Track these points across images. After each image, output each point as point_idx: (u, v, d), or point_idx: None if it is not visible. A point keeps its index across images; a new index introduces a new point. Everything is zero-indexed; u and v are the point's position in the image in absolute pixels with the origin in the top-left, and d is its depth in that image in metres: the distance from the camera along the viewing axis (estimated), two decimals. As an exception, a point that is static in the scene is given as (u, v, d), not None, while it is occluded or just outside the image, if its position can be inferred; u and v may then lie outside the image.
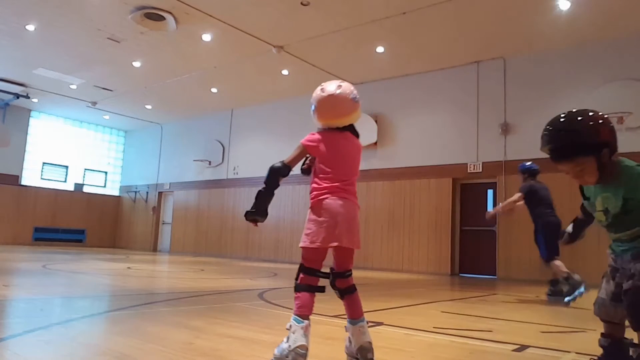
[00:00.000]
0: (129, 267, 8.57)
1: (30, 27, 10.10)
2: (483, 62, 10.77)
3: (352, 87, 2.27)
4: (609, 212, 1.94)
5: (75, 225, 17.86)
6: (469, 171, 10.70)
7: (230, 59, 11.45)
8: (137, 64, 12.01)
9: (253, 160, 14.87)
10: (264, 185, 2.14)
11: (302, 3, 8.55)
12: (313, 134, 2.36)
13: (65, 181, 18.05)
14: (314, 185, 2.24)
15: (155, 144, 18.42)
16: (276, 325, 3.30)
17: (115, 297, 4.66)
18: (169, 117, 17.26)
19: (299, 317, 2.03)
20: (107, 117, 17.60)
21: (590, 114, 1.91)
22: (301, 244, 2.19)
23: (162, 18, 9.27)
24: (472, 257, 10.66)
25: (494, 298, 6.14)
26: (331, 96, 2.22)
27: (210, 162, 15.99)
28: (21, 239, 16.42)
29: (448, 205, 10.87)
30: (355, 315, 2.14)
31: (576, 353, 2.70)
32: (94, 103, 15.71)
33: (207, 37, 10.21)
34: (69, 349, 2.39)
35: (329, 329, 3.26)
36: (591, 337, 3.42)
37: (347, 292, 2.17)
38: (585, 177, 1.93)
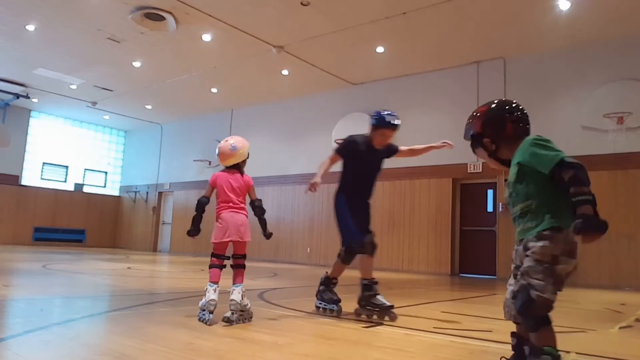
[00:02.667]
0: (129, 267, 8.56)
1: (30, 27, 10.10)
2: (483, 62, 10.77)
3: (231, 140, 3.76)
4: (510, 183, 1.93)
5: (75, 225, 17.86)
6: (469, 171, 10.70)
7: (230, 59, 11.45)
8: (137, 64, 12.01)
9: (253, 160, 14.71)
10: (195, 212, 3.63)
11: (302, 3, 8.55)
12: (213, 175, 3.74)
13: (65, 181, 18.05)
14: (217, 205, 3.63)
15: (155, 144, 18.41)
16: (276, 325, 3.30)
17: (115, 297, 4.66)
18: (169, 117, 17.26)
19: (211, 282, 3.33)
20: (107, 117, 17.60)
21: (478, 108, 2.11)
22: (211, 240, 3.56)
23: (162, 18, 9.27)
24: (472, 257, 10.66)
25: (494, 298, 6.14)
26: (219, 149, 3.70)
27: (210, 162, 15.98)
28: (21, 239, 16.42)
29: (448, 206, 10.86)
30: (235, 281, 3.37)
31: (576, 353, 2.70)
32: (94, 103, 15.71)
33: (207, 37, 10.21)
34: (69, 349, 2.39)
35: (329, 329, 3.26)
36: (591, 337, 3.43)
37: (236, 267, 3.50)
38: (490, 164, 2.13)
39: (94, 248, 17.21)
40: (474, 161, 10.65)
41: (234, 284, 3.35)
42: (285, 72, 12.10)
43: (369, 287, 3.72)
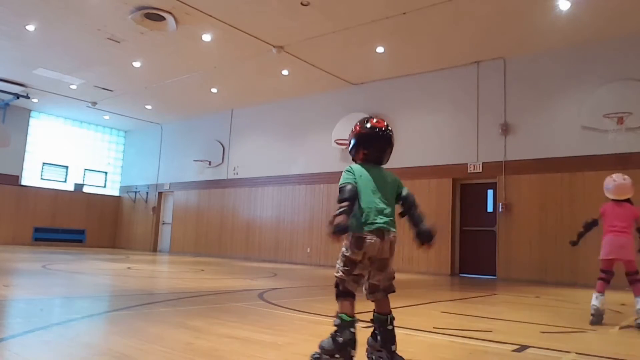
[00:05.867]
0: (129, 267, 8.57)
1: (30, 27, 10.10)
2: (483, 62, 10.77)
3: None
4: None
5: (75, 225, 17.86)
6: (469, 171, 10.70)
7: (230, 59, 11.45)
8: (137, 64, 12.01)
9: (253, 160, 14.88)
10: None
11: (302, 3, 8.55)
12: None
13: (65, 181, 18.05)
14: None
15: (155, 144, 18.42)
16: (276, 325, 3.29)
17: (115, 297, 4.66)
18: (169, 117, 17.26)
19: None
20: (107, 117, 17.60)
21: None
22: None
23: (162, 18, 9.27)
24: (472, 257, 10.66)
25: (494, 298, 6.14)
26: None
27: (210, 162, 15.98)
28: (21, 239, 16.42)
29: (448, 206, 10.86)
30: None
31: (576, 353, 2.70)
32: (94, 103, 15.71)
33: (207, 37, 10.21)
34: (69, 349, 2.39)
35: (329, 329, 3.25)
36: (591, 337, 3.42)
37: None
38: None
39: (94, 248, 17.21)
40: (474, 161, 10.65)
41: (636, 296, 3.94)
42: (285, 72, 12.10)
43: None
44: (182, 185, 17.04)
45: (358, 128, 2.36)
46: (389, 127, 2.37)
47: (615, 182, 4.09)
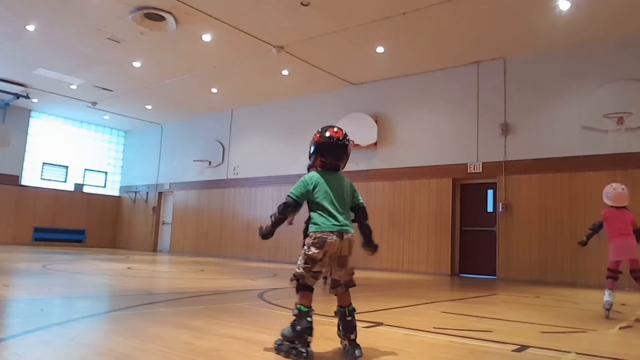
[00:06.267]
0: (128, 268, 8.56)
1: (30, 27, 10.10)
2: (483, 62, 10.77)
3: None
4: None
5: (75, 225, 17.86)
6: (469, 171, 10.70)
7: (230, 59, 11.45)
8: (137, 64, 12.01)
9: (253, 160, 14.88)
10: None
11: (302, 3, 8.55)
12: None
13: (65, 181, 18.05)
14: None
15: (155, 144, 18.42)
16: (276, 326, 3.29)
17: (115, 297, 4.66)
18: (169, 117, 17.27)
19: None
20: (107, 117, 17.60)
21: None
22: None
23: (162, 18, 9.27)
24: (472, 257, 10.66)
25: (494, 298, 6.14)
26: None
27: (210, 162, 15.99)
28: (21, 239, 16.42)
29: (448, 206, 10.86)
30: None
31: (576, 353, 2.70)
32: (94, 103, 15.71)
33: (207, 37, 10.21)
34: (69, 349, 2.39)
35: (329, 329, 3.26)
36: (591, 337, 3.42)
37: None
38: None
39: (94, 248, 17.21)
40: (474, 161, 10.65)
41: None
42: (285, 72, 12.10)
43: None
44: (182, 185, 17.04)
45: (317, 136, 2.57)
46: (347, 137, 2.60)
47: (615, 190, 4.58)
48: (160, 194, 17.94)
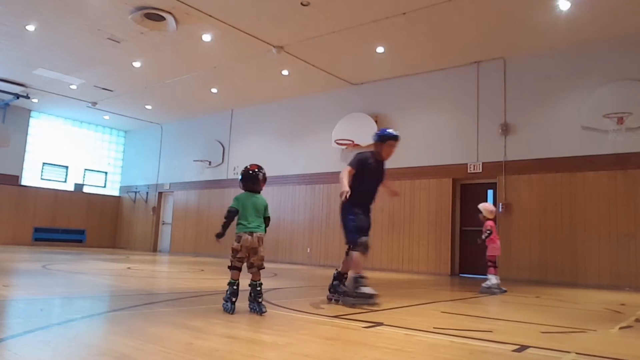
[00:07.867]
0: (128, 268, 8.56)
1: (30, 27, 10.10)
2: (483, 62, 10.77)
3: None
4: None
5: (75, 225, 17.86)
6: (469, 171, 10.70)
7: (230, 59, 11.45)
8: (137, 64, 12.01)
9: (253, 160, 14.74)
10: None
11: (302, 3, 8.55)
12: None
13: (65, 181, 18.05)
14: None
15: (155, 144, 18.42)
16: (276, 325, 3.30)
17: (115, 297, 4.66)
18: (169, 117, 17.27)
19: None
20: (107, 117, 17.60)
21: None
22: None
23: (162, 18, 9.27)
24: (472, 257, 10.65)
25: (494, 298, 6.14)
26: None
27: (210, 162, 15.99)
28: (21, 239, 16.42)
29: (448, 206, 10.86)
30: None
31: (576, 353, 2.70)
32: (94, 103, 15.72)
33: (207, 37, 10.21)
34: (69, 349, 2.39)
35: (329, 329, 3.26)
36: (591, 337, 3.42)
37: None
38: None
39: (94, 248, 17.21)
40: (474, 161, 10.65)
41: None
42: (285, 72, 12.10)
43: (339, 278, 4.72)
44: (182, 185, 17.04)
45: (242, 171, 3.86)
46: (259, 170, 3.84)
47: None
48: (160, 194, 17.94)
